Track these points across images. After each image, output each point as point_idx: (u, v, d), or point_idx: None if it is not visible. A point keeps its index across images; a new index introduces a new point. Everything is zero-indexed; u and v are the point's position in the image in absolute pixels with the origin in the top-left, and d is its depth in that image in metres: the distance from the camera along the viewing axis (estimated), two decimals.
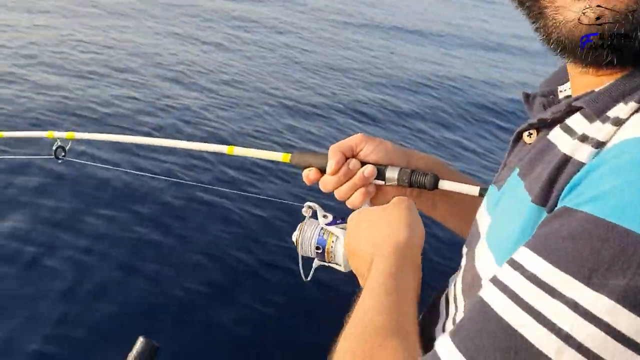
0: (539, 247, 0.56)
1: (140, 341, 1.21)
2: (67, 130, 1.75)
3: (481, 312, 0.58)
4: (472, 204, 1.02)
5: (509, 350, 0.53)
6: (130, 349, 1.21)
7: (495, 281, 0.59)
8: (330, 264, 1.04)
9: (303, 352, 2.97)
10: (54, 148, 1.72)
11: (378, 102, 7.00)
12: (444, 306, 0.84)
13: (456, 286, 0.80)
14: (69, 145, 1.74)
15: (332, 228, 1.03)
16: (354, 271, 0.92)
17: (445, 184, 1.02)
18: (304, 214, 1.07)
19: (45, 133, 1.77)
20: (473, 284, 0.73)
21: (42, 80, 5.83)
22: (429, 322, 0.85)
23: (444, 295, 0.86)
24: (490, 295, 0.58)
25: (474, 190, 1.00)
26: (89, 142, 4.27)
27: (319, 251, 1.03)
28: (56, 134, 1.70)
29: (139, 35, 8.08)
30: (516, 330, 0.54)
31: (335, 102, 6.73)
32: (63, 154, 1.73)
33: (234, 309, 3.26)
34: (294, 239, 1.06)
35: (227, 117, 5.71)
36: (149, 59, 7.10)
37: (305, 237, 1.04)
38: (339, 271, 1.05)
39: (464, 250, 0.85)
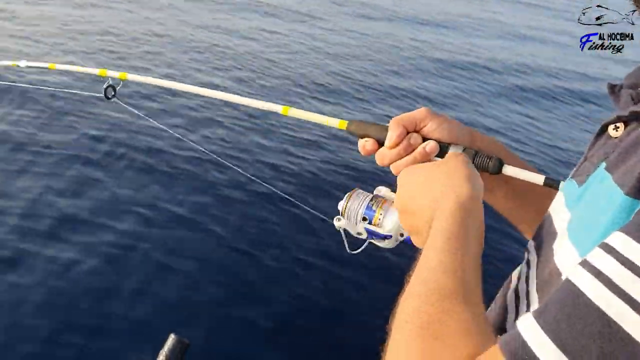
0: (636, 233, 0.53)
1: (171, 338, 1.23)
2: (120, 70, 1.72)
3: (571, 295, 0.55)
4: (531, 192, 0.97)
5: (601, 337, 0.51)
6: (161, 346, 1.23)
7: (585, 264, 0.56)
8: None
9: (336, 350, 2.95)
10: (104, 86, 1.70)
11: (409, 88, 7.15)
12: (512, 301, 0.80)
13: (529, 282, 0.75)
14: (120, 86, 1.72)
15: (384, 191, 0.98)
16: (406, 229, 0.87)
17: (509, 170, 0.93)
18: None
19: (98, 70, 1.74)
20: (550, 280, 0.69)
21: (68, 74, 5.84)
22: (497, 315, 0.81)
23: (511, 290, 0.81)
24: (581, 279, 0.55)
25: (538, 179, 0.91)
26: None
27: (365, 222, 0.97)
28: (109, 72, 1.67)
29: (170, 25, 8.16)
30: (610, 318, 0.51)
31: (369, 89, 6.86)
32: (113, 93, 1.70)
33: (264, 304, 3.20)
34: (340, 207, 0.99)
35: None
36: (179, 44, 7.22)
37: (353, 207, 0.98)
38: (383, 247, 1.01)
39: (531, 244, 0.80)
